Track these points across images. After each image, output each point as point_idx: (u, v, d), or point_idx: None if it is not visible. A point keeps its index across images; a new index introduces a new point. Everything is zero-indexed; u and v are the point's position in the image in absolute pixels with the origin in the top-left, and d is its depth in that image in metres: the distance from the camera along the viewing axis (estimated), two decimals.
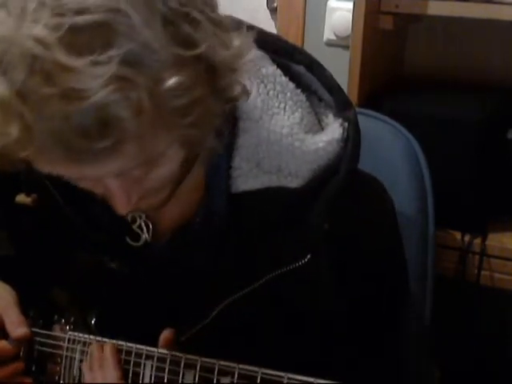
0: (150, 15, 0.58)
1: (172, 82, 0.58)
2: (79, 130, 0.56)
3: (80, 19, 0.55)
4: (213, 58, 0.62)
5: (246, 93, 0.70)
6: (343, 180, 0.75)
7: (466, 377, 1.34)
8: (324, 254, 0.75)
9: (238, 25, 0.71)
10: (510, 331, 1.43)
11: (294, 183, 0.75)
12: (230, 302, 0.76)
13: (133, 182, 0.66)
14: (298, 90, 0.79)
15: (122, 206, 0.68)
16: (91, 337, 0.82)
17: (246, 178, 0.75)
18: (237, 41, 0.66)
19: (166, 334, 0.76)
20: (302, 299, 0.76)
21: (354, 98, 1.24)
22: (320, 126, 0.79)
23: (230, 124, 0.74)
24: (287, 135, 0.75)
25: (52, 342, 0.87)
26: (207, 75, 0.62)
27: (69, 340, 0.85)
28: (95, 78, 0.54)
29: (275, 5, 1.59)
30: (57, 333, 0.87)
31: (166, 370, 0.74)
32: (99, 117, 0.56)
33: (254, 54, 0.75)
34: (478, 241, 1.20)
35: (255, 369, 0.68)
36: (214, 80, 0.63)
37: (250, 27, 0.79)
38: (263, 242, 0.75)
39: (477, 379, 1.39)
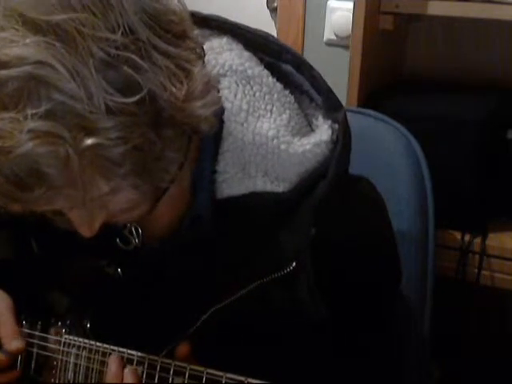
0: (79, 64, 0.56)
1: (103, 133, 0.57)
2: (12, 181, 0.57)
3: (2, 73, 0.54)
4: (160, 97, 0.60)
5: (210, 122, 0.67)
6: (331, 184, 0.73)
7: (466, 377, 1.34)
8: (310, 260, 0.73)
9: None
10: (510, 331, 1.43)
11: (280, 187, 0.73)
12: (213, 311, 0.75)
13: (92, 210, 0.65)
14: (287, 91, 0.76)
15: (84, 232, 0.68)
16: (85, 340, 0.82)
17: (231, 183, 0.73)
18: (198, 71, 0.63)
19: (182, 349, 0.75)
20: (287, 306, 0.75)
21: (353, 98, 1.24)
22: (310, 128, 0.77)
23: (215, 128, 0.71)
24: (273, 138, 0.73)
25: (48, 345, 0.87)
26: (153, 117, 0.60)
27: (64, 343, 0.85)
28: (18, 134, 0.54)
29: (275, 5, 1.59)
30: (53, 336, 0.87)
31: (156, 377, 0.74)
32: (28, 169, 0.56)
33: (229, 65, 0.74)
34: (478, 241, 1.20)
35: (241, 378, 0.69)
36: (161, 120, 0.61)
37: (235, 26, 0.78)
38: (248, 248, 0.74)
39: (477, 379, 1.39)
